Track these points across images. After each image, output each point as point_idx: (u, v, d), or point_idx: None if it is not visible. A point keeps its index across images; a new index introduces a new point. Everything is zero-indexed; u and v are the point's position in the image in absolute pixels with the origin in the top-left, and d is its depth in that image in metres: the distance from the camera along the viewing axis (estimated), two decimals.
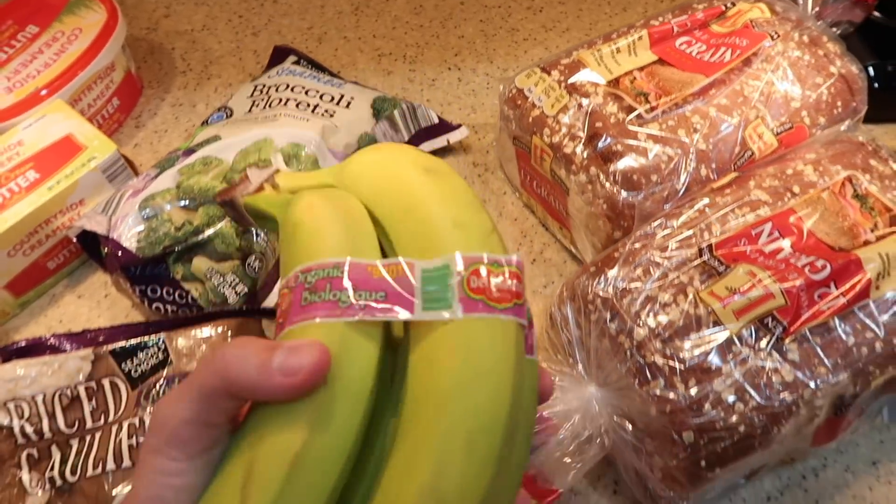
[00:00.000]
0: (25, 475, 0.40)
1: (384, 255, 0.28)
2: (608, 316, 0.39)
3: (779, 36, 0.47)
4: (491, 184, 0.56)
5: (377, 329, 0.25)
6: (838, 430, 0.39)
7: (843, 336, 0.37)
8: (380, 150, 0.31)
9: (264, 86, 0.54)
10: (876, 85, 0.57)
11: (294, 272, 0.26)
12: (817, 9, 0.50)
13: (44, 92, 0.52)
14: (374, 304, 0.25)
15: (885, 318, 0.37)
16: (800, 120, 0.46)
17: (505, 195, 0.56)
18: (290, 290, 0.25)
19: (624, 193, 0.43)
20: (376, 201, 0.29)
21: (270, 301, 0.46)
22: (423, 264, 0.26)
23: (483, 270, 0.26)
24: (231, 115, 0.52)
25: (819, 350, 0.36)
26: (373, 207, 0.29)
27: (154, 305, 0.45)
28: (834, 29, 0.50)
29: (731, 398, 0.35)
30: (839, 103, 0.47)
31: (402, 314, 0.25)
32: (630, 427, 0.38)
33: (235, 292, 0.45)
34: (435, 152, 0.57)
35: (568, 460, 0.39)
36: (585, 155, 0.44)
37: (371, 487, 0.25)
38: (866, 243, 0.39)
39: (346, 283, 0.25)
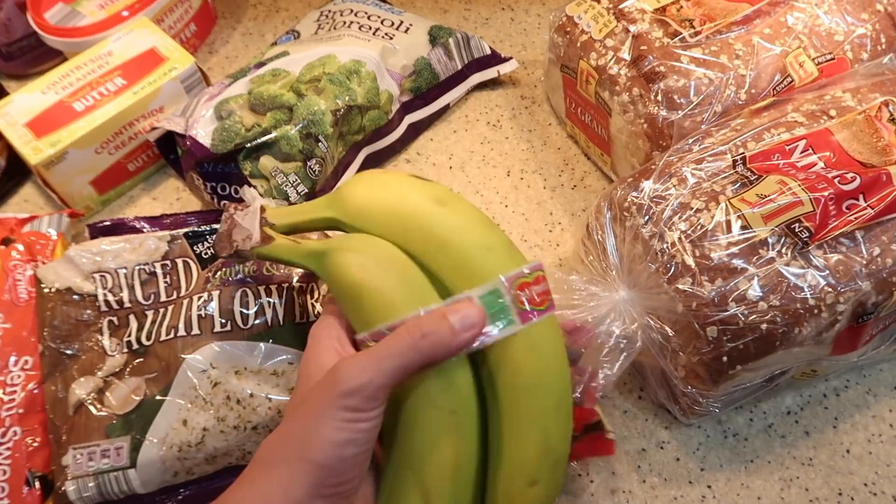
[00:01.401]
0: (106, 340, 0.45)
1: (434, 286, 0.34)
2: (642, 221, 0.41)
3: None
4: (537, 115, 0.59)
5: (466, 361, 0.33)
6: (860, 340, 0.41)
7: (868, 246, 0.38)
8: (379, 185, 0.36)
9: (329, 11, 0.57)
10: None
11: (378, 328, 0.32)
12: None
13: (125, 13, 0.57)
14: (452, 343, 0.31)
15: None
16: (842, 53, 0.47)
17: (550, 126, 0.58)
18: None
19: (664, 112, 0.45)
20: (407, 241, 0.34)
21: None
22: (476, 292, 0.32)
23: (523, 283, 0.33)
24: (299, 37, 0.56)
25: (844, 257, 0.38)
26: (405, 246, 0.34)
27: (223, 203, 0.50)
28: None
29: (755, 296, 0.38)
30: (883, 39, 0.48)
31: (487, 340, 0.32)
32: (658, 325, 0.41)
33: (297, 192, 0.49)
34: (485, 83, 0.60)
35: (606, 359, 0.41)
36: (629, 76, 0.46)
37: (496, 463, 0.34)
38: None
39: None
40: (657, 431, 0.45)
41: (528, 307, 0.32)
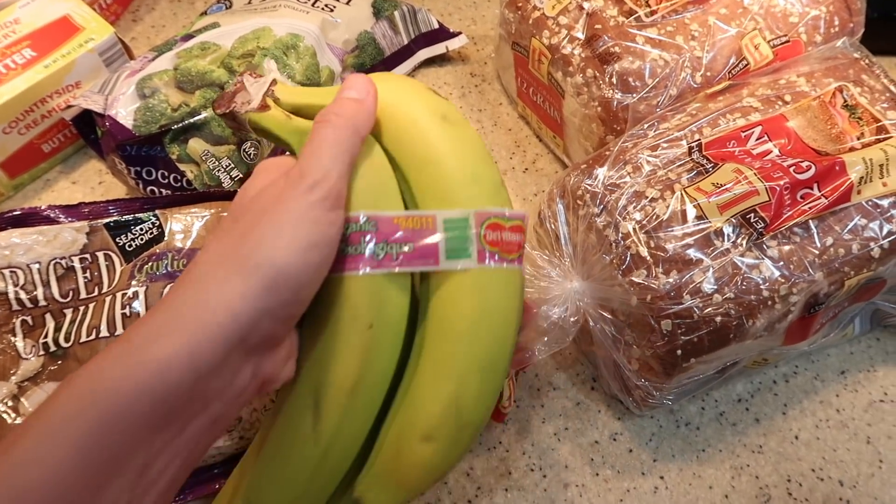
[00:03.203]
0: (20, 341, 0.41)
1: (404, 200, 0.31)
2: (596, 210, 0.39)
3: None
4: (487, 94, 0.57)
5: (406, 278, 0.30)
6: (810, 329, 0.41)
7: (822, 236, 0.38)
8: (392, 87, 0.33)
9: None
10: (875, 15, 0.57)
11: None
12: None
13: None
14: (403, 257, 0.29)
15: (864, 221, 0.38)
16: (797, 35, 0.46)
17: (500, 106, 0.56)
18: None
19: (619, 95, 0.43)
20: (395, 147, 0.32)
21: None
22: (443, 214, 0.29)
23: (496, 224, 0.30)
24: (231, 7, 0.52)
25: (797, 248, 0.38)
26: (392, 151, 0.32)
27: (149, 188, 0.46)
28: None
29: (709, 288, 0.37)
30: (836, 22, 0.47)
31: (429, 266, 0.29)
32: (611, 317, 0.40)
33: (230, 177, 0.45)
34: (433, 60, 0.57)
35: (544, 339, 0.40)
36: (583, 56, 0.44)
37: (398, 405, 0.31)
38: (852, 150, 0.40)
39: (378, 237, 0.29)
40: (610, 423, 0.44)
41: (490, 249, 0.30)
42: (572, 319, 0.40)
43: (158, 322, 0.25)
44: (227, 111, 0.34)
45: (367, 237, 0.29)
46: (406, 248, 0.29)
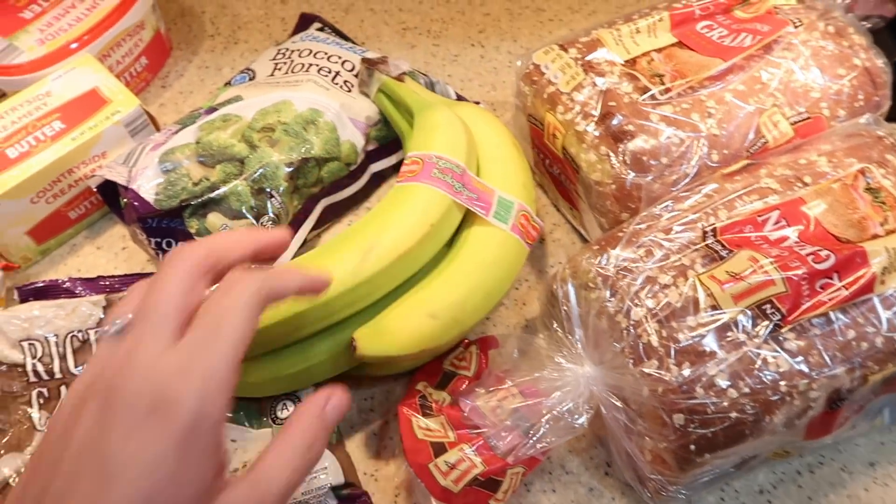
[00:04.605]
0: (35, 413, 0.42)
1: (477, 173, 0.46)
2: (607, 294, 0.39)
3: (802, 24, 0.46)
4: None
5: (462, 212, 0.44)
6: (833, 425, 0.39)
7: (843, 329, 0.36)
8: (485, 112, 0.50)
9: (287, 49, 0.54)
10: None
11: (430, 152, 0.44)
12: (847, 0, 0.49)
13: (74, 45, 0.54)
14: (470, 198, 0.43)
15: (888, 314, 0.37)
16: (818, 111, 0.45)
17: None
18: (422, 160, 0.43)
19: (632, 174, 0.43)
20: (482, 141, 0.47)
21: (282, 262, 0.47)
22: (500, 193, 0.45)
23: (526, 216, 0.45)
24: (254, 78, 0.53)
25: (817, 341, 0.36)
26: (478, 140, 0.47)
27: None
28: (863, 23, 0.49)
29: (723, 383, 0.36)
30: (861, 96, 0.46)
31: (481, 212, 0.43)
32: (622, 407, 0.39)
33: None
34: None
35: (551, 434, 0.39)
36: (597, 133, 0.44)
37: (426, 285, 0.42)
38: (874, 237, 0.38)
39: (462, 179, 0.43)
40: None
41: (519, 227, 0.44)
42: (585, 406, 0.39)
43: None
44: (373, 64, 0.50)
45: (453, 174, 0.43)
46: (473, 195, 0.43)
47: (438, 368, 0.45)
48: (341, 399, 0.30)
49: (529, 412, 0.39)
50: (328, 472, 0.39)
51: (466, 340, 0.45)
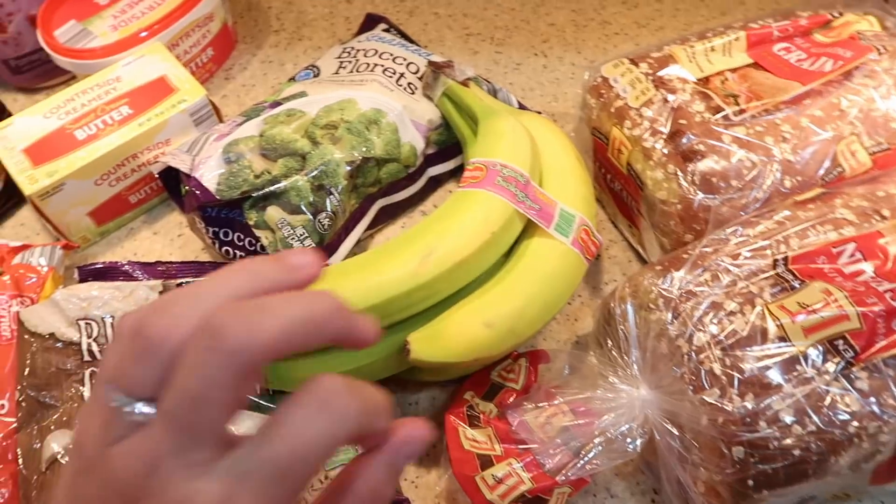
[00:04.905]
0: (87, 391, 0.42)
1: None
2: (669, 316, 0.38)
3: (886, 51, 0.45)
4: None
5: (523, 221, 0.43)
6: None
7: None
8: (549, 122, 0.50)
9: (353, 48, 0.54)
10: None
11: (494, 160, 0.44)
12: None
13: (144, 34, 0.55)
14: (532, 209, 0.43)
15: None
16: None
17: None
18: (486, 167, 0.43)
19: (701, 195, 0.42)
20: (546, 151, 0.47)
21: (336, 259, 0.47)
22: (563, 206, 0.44)
23: (587, 231, 0.44)
24: (318, 75, 0.53)
25: (891, 382, 0.35)
26: (542, 151, 0.47)
27: (224, 249, 0.47)
28: None
29: (788, 418, 0.34)
30: None
31: (543, 224, 0.43)
32: (678, 434, 0.38)
33: (303, 245, 0.46)
34: None
35: (603, 456, 0.38)
36: (666, 151, 0.43)
37: (483, 293, 0.41)
38: None
39: (525, 189, 0.43)
40: None
41: (579, 242, 0.43)
42: (640, 431, 0.38)
43: None
44: (439, 68, 0.50)
45: (517, 183, 0.43)
46: (533, 206, 0.43)
47: (486, 379, 0.44)
48: (421, 441, 0.23)
49: (580, 432, 0.39)
50: None
51: (516, 353, 0.44)
